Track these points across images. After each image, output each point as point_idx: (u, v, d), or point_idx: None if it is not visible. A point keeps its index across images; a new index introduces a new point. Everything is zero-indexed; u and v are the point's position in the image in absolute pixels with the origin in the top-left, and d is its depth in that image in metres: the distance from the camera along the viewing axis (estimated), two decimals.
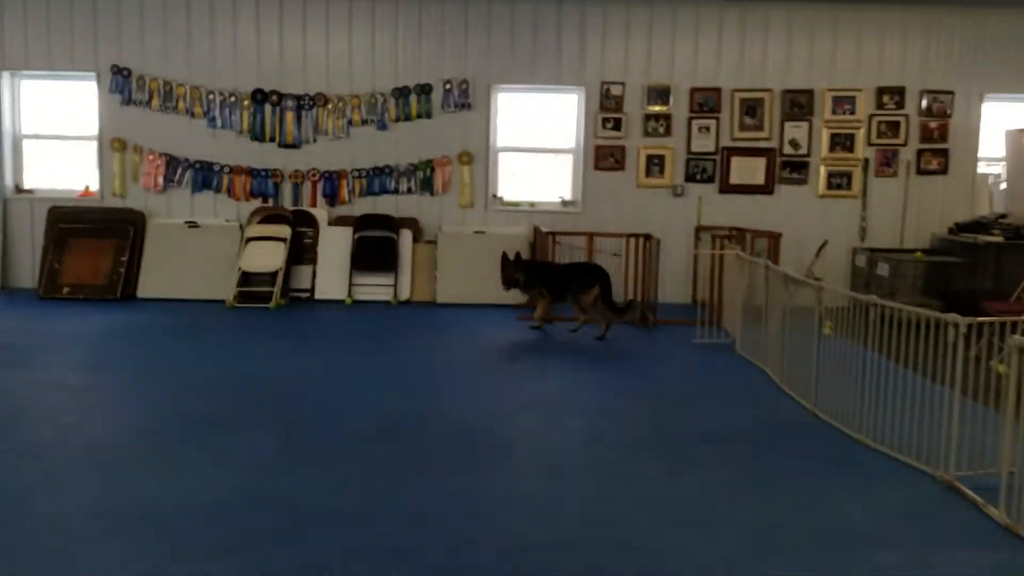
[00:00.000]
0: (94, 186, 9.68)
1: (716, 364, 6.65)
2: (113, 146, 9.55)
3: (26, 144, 9.78)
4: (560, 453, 4.42)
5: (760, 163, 9.70)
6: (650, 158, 9.68)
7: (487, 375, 6.15)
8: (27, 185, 9.76)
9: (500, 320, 7.79)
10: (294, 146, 9.66)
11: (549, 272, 7.83)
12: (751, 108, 9.65)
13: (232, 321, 8.03)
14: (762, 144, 9.70)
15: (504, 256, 7.74)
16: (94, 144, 9.63)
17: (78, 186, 9.72)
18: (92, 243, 9.22)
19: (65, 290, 8.97)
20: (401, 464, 4.16)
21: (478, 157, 9.68)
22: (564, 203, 9.86)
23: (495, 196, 9.83)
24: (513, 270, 7.71)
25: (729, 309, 7.55)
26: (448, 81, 9.57)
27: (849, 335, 4.88)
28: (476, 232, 9.48)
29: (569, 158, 9.91)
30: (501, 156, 9.87)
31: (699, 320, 7.47)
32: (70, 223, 9.35)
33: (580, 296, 7.60)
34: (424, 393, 5.53)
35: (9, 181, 9.63)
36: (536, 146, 9.94)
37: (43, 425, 4.65)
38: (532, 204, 9.84)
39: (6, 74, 9.49)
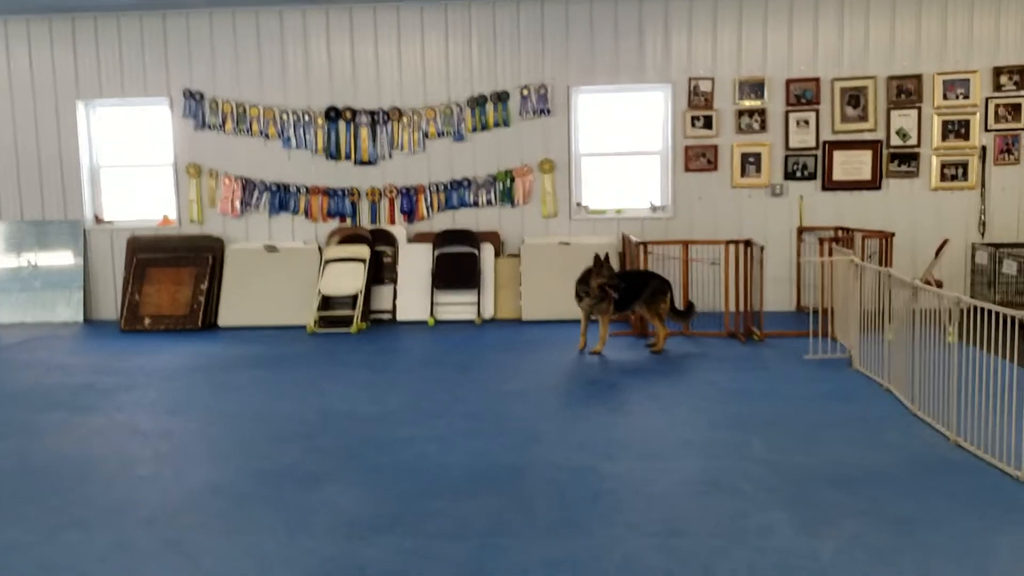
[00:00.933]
0: (172, 214, 9.55)
1: (833, 384, 6.03)
2: (189, 172, 9.40)
3: (104, 174, 9.71)
4: (673, 503, 3.91)
5: (866, 156, 8.99)
6: (745, 156, 9.06)
7: (582, 406, 5.67)
8: (106, 216, 9.69)
9: (589, 338, 7.30)
10: (370, 163, 9.36)
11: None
12: (854, 97, 8.94)
13: (313, 349, 7.74)
14: (867, 136, 8.99)
15: (595, 258, 7.13)
16: (170, 171, 9.50)
17: (156, 214, 9.61)
18: (171, 272, 9.08)
19: (146, 322, 8.83)
20: (496, 523, 3.71)
21: (560, 164, 9.22)
22: (653, 208, 9.31)
23: (579, 204, 9.35)
24: (609, 276, 7.07)
25: (842, 319, 6.90)
26: (526, 87, 9.13)
27: (983, 345, 4.26)
28: (561, 243, 9.02)
29: (657, 160, 9.36)
30: (584, 162, 9.38)
31: (811, 332, 6.84)
32: (149, 252, 9.23)
33: (655, 305, 7.07)
34: (516, 430, 5.08)
35: (89, 212, 9.57)
36: (621, 150, 9.42)
37: (116, 479, 4.36)
38: (619, 211, 9.33)
39: (80, 104, 9.42)
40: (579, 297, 7.15)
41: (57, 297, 9.42)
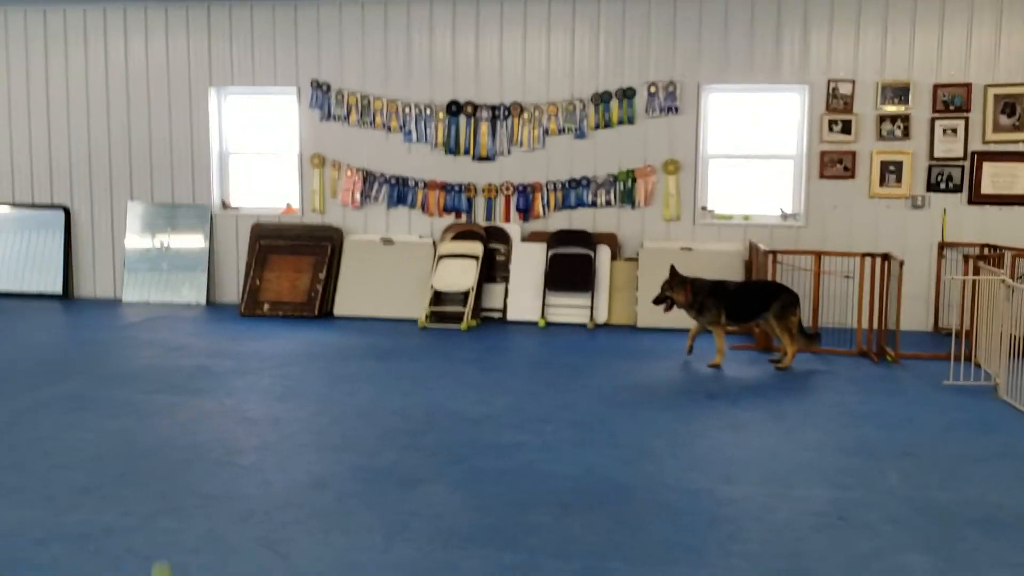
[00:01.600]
0: (295, 202, 9.67)
1: (976, 414, 5.52)
2: (313, 162, 9.49)
3: (232, 160, 9.91)
4: (798, 536, 3.59)
5: (1020, 169, 8.31)
6: (885, 165, 8.50)
7: (698, 421, 5.36)
8: (233, 202, 9.90)
9: (708, 349, 6.95)
10: (488, 159, 9.24)
11: (725, 292, 6.88)
12: (1009, 105, 8.27)
13: (423, 343, 7.66)
14: (1023, 147, 8.29)
15: (671, 269, 6.92)
16: (295, 160, 9.62)
17: (280, 202, 9.75)
18: (292, 260, 9.19)
19: (265, 307, 8.96)
20: (604, 544, 3.47)
21: (685, 165, 8.87)
22: (784, 216, 8.85)
23: (704, 209, 8.98)
24: (669, 286, 6.87)
25: (987, 344, 6.34)
26: (653, 84, 8.82)
27: None
28: (683, 248, 8.67)
29: (790, 165, 8.89)
30: (712, 164, 9.00)
31: (951, 356, 6.31)
32: (271, 239, 9.36)
33: (787, 319, 6.66)
34: (627, 443, 4.82)
35: (216, 198, 9.79)
36: (752, 152, 8.99)
37: (219, 467, 4.33)
38: (747, 217, 8.91)
39: (213, 91, 9.64)
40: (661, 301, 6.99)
41: (183, 279, 9.67)
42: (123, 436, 4.85)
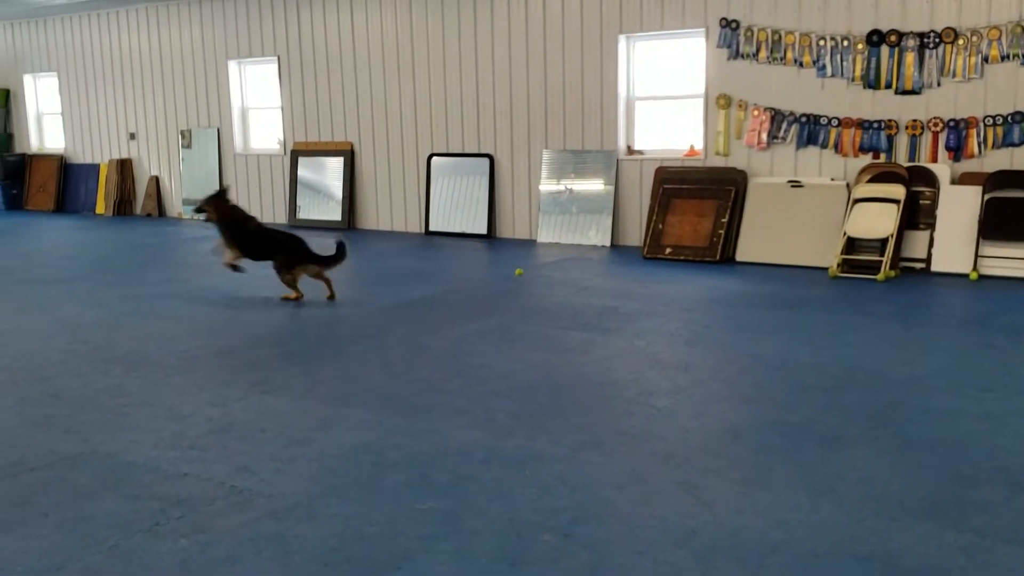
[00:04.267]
0: (698, 145, 9.61)
1: None
2: (718, 103, 9.33)
3: (638, 106, 10.07)
4: None
5: None
6: None
7: None
8: (637, 146, 10.08)
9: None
10: (913, 92, 8.39)
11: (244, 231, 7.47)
12: None
13: (834, 294, 7.25)
14: None
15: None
16: (700, 102, 9.52)
17: (683, 146, 9.74)
18: (694, 204, 9.17)
19: (667, 251, 9.06)
20: (1001, 538, 3.04)
21: None
22: None
23: None
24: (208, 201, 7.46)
25: None
26: None
27: None
28: None
29: None
30: None
31: None
32: (674, 183, 9.41)
33: (283, 272, 7.20)
34: None
35: (622, 143, 10.04)
36: None
37: (634, 406, 4.47)
38: None
39: (622, 38, 9.82)
40: None
41: (589, 222, 10.10)
42: (545, 368, 5.19)
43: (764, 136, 9.13)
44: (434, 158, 11.23)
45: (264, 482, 3.59)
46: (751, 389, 4.76)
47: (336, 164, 12.01)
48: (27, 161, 15.58)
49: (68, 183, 15.16)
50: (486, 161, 10.83)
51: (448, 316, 6.65)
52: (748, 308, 6.75)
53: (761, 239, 8.78)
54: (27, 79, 15.63)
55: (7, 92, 15.84)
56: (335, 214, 12.02)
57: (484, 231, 10.85)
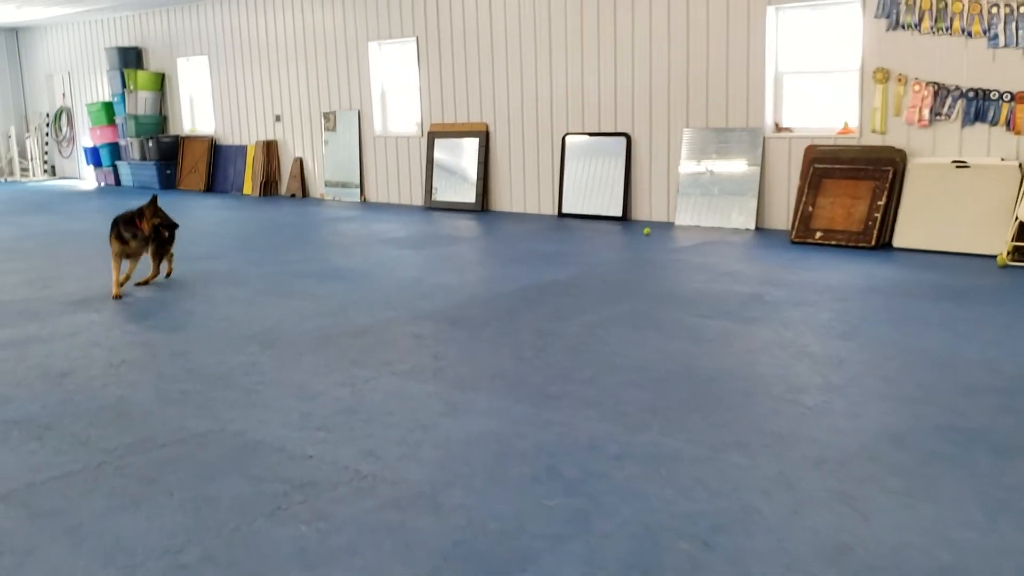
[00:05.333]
0: (852, 122, 8.99)
1: None
2: (875, 77, 8.69)
3: (786, 80, 9.52)
4: None
5: None
6: None
7: None
8: (785, 123, 9.54)
9: None
10: None
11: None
12: None
13: (1004, 284, 6.61)
14: None
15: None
16: (855, 76, 8.89)
17: (836, 123, 9.14)
18: (848, 185, 8.59)
19: (817, 235, 8.53)
20: None
21: None
22: None
23: None
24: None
25: None
26: None
27: None
28: None
29: None
30: None
31: None
32: (826, 163, 8.84)
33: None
34: None
35: (769, 120, 9.51)
36: None
37: (782, 404, 4.13)
38: None
39: (771, 8, 9.28)
40: None
41: (732, 203, 9.64)
42: (683, 359, 4.90)
43: (926, 113, 8.44)
44: (568, 137, 10.99)
45: (389, 468, 3.48)
46: (913, 388, 4.33)
47: (471, 145, 11.94)
48: (180, 143, 16.29)
49: (217, 164, 15.76)
50: (623, 140, 10.50)
51: (580, 301, 6.43)
52: (907, 298, 6.22)
53: (921, 224, 8.13)
54: (181, 63, 16.31)
55: (162, 76, 16.59)
56: (469, 196, 11.97)
57: (619, 213, 10.54)
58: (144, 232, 6.97)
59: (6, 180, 19.35)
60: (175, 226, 7.17)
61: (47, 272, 8.04)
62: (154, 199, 7.06)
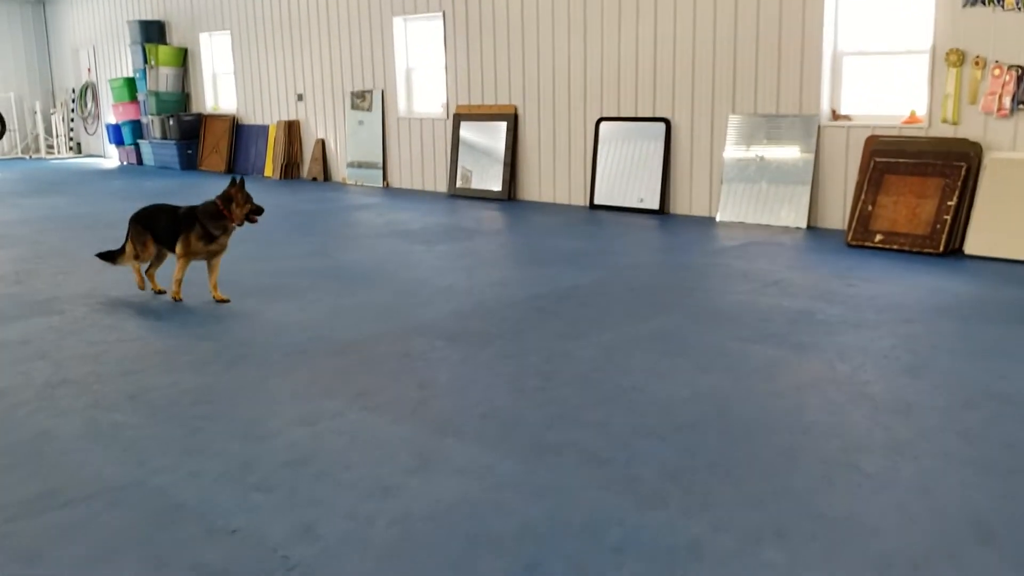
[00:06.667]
0: (920, 110, 7.99)
1: None
2: (949, 59, 7.68)
3: (846, 62, 8.52)
4: None
5: None
6: None
7: None
8: (844, 110, 8.56)
9: None
10: None
11: None
12: None
13: None
14: None
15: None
16: (925, 59, 7.89)
17: (902, 112, 8.15)
18: (914, 182, 7.62)
19: (877, 238, 7.58)
20: None
21: None
22: None
23: None
24: None
25: None
26: None
27: None
28: None
29: None
30: None
31: None
32: (888, 156, 7.86)
33: None
34: None
35: (825, 106, 8.54)
36: None
37: (834, 472, 3.28)
38: None
39: None
40: None
41: (782, 198, 8.71)
42: (717, 399, 4.06)
43: (1007, 101, 7.42)
44: (603, 123, 10.10)
45: (325, 555, 2.72)
46: (1002, 450, 3.44)
47: (499, 129, 11.11)
48: (202, 121, 15.68)
49: (239, 144, 15.13)
50: (662, 126, 9.59)
51: (602, 314, 5.60)
52: (986, 321, 5.29)
53: (999, 228, 7.14)
54: (203, 38, 15.68)
55: (185, 51, 15.98)
56: (495, 184, 11.15)
57: (656, 206, 9.65)
58: (237, 223, 5.90)
59: (31, 157, 18.97)
60: (261, 210, 5.97)
61: (26, 264, 7.42)
62: (241, 181, 5.89)
